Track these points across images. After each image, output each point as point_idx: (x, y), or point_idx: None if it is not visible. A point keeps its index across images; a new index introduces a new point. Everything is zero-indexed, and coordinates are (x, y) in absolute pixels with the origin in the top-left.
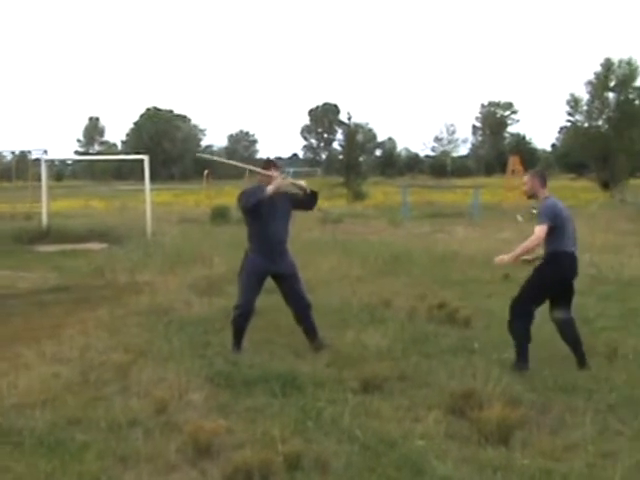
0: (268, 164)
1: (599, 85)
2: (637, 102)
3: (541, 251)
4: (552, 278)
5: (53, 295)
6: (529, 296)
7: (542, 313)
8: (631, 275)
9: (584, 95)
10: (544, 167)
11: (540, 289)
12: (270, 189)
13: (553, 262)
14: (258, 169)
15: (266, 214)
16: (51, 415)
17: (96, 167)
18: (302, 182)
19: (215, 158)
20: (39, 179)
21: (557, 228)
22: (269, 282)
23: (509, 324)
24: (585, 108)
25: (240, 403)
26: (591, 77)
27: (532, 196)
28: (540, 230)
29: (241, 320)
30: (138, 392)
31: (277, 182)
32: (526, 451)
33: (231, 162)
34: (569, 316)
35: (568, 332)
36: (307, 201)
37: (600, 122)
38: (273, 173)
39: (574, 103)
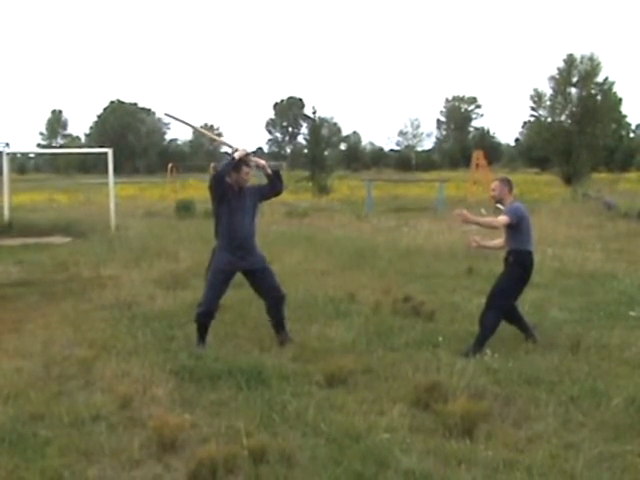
0: None
1: (562, 80)
2: (599, 98)
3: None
4: (522, 276)
5: (16, 289)
6: (504, 293)
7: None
8: (594, 268)
9: (547, 90)
10: (507, 161)
11: (513, 286)
12: (237, 154)
13: (522, 261)
14: (221, 139)
15: (235, 208)
16: (13, 410)
17: (60, 160)
18: (262, 161)
19: (184, 120)
20: (1, 172)
21: (523, 228)
22: (238, 276)
23: (482, 314)
24: (548, 103)
25: (205, 397)
26: (554, 72)
27: (499, 201)
28: (504, 219)
29: (204, 318)
30: (102, 387)
31: (242, 151)
32: (490, 443)
33: (198, 128)
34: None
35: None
36: (273, 184)
37: (563, 117)
38: (235, 145)
39: (537, 98)
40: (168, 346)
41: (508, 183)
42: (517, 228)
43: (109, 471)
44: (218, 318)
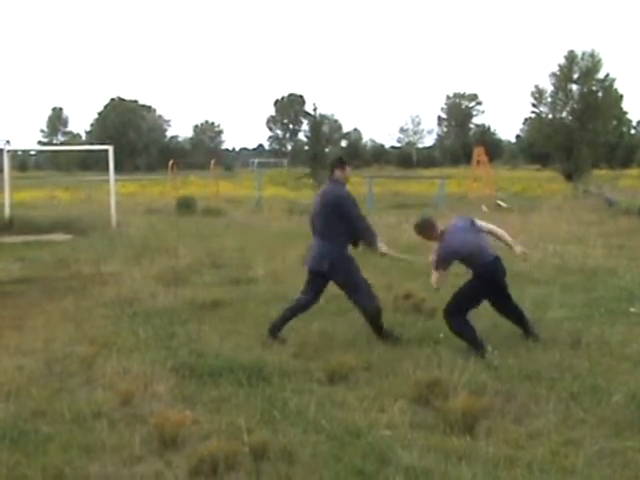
0: (342, 163)
1: (563, 77)
2: (600, 94)
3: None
4: (481, 288)
5: (17, 286)
6: (463, 302)
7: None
8: (595, 265)
9: (548, 87)
10: (508, 158)
11: (473, 297)
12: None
13: (479, 274)
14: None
15: None
16: (15, 407)
17: (60, 158)
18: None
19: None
20: (1, 170)
21: (465, 256)
22: (235, 272)
23: (449, 327)
24: (549, 100)
25: (206, 394)
26: (555, 69)
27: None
28: (433, 262)
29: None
30: (103, 384)
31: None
32: (491, 439)
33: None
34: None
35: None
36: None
37: (564, 114)
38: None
39: (538, 95)
40: (169, 343)
41: (428, 225)
42: (461, 259)
43: (110, 467)
44: (218, 314)
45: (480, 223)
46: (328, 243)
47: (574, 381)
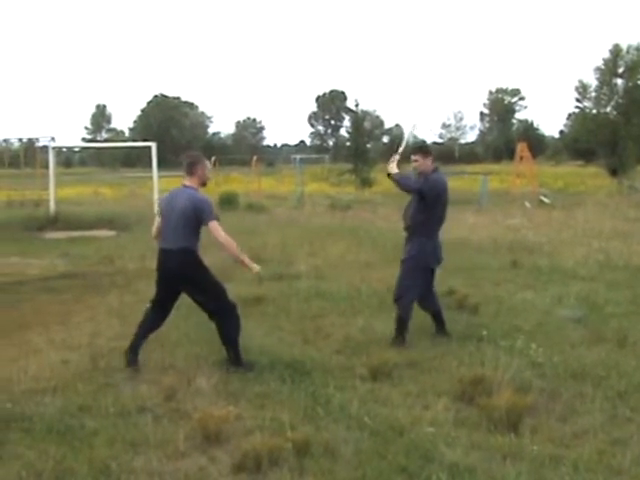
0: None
1: (607, 71)
2: None
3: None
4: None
5: (62, 282)
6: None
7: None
8: None
9: (592, 81)
10: (552, 153)
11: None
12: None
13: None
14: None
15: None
16: (61, 401)
17: (104, 154)
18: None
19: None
20: (47, 166)
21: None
22: (272, 270)
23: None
24: (593, 94)
25: (249, 389)
26: (599, 63)
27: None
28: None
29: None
30: (147, 379)
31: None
32: (535, 438)
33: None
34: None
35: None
36: None
37: (608, 109)
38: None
39: (582, 89)
40: (212, 338)
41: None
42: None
43: (155, 462)
44: (261, 310)
45: None
46: None
47: (621, 379)
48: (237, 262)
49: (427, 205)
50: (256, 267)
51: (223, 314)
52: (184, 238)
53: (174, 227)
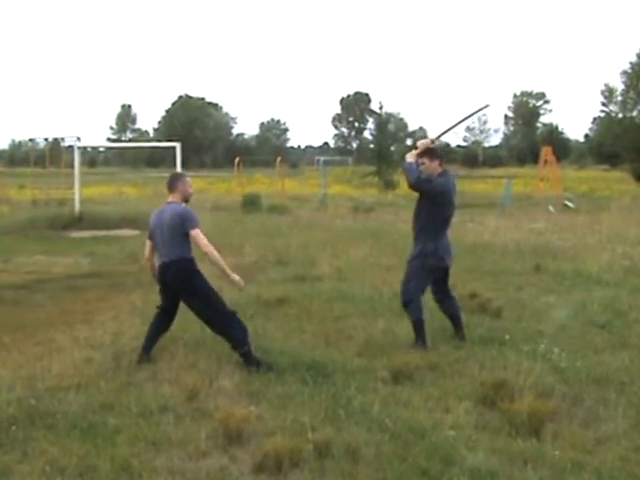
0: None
1: (634, 75)
2: None
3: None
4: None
5: (86, 280)
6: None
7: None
8: None
9: (619, 85)
10: (576, 157)
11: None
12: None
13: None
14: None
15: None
16: (84, 399)
17: (129, 154)
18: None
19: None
20: (72, 166)
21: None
22: (303, 270)
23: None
24: (620, 98)
25: (271, 390)
26: (626, 67)
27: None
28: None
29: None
30: (169, 378)
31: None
32: (557, 443)
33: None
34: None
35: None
36: None
37: (635, 113)
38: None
39: (608, 93)
40: None
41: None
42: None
43: (176, 461)
44: (282, 312)
45: None
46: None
47: None
48: (220, 272)
49: (429, 206)
50: (241, 282)
51: (222, 323)
52: (177, 248)
53: (165, 240)
